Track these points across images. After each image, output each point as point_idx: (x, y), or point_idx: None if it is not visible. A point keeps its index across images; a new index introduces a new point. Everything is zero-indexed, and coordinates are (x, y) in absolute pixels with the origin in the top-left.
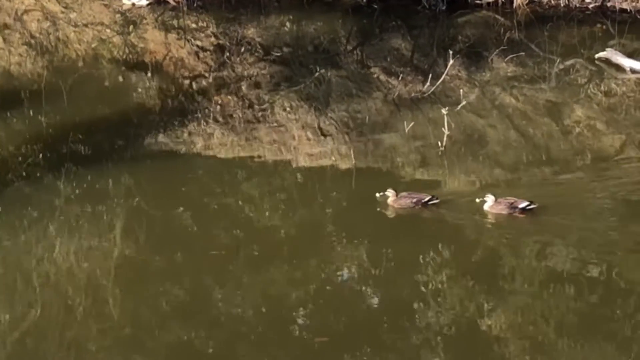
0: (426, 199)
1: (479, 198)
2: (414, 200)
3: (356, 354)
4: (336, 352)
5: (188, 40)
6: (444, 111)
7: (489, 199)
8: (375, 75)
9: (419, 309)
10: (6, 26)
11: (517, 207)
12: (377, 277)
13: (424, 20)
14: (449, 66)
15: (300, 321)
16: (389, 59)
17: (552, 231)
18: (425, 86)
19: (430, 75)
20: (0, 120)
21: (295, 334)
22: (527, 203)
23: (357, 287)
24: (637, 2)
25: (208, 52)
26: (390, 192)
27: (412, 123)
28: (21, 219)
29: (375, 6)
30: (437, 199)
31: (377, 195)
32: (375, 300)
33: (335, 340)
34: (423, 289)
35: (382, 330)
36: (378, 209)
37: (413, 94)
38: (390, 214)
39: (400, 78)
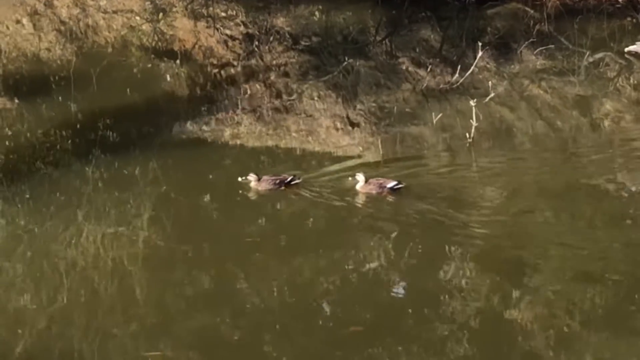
0: (288, 179)
1: (351, 177)
2: (277, 181)
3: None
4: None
5: (217, 29)
6: (472, 103)
7: (360, 178)
8: (403, 66)
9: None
10: (36, 12)
11: (385, 187)
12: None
13: (454, 11)
14: (477, 58)
15: (327, 310)
16: (417, 50)
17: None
18: (454, 77)
19: (459, 67)
20: (29, 106)
21: (323, 323)
22: (395, 183)
23: (384, 276)
24: None
25: (237, 41)
26: (252, 176)
27: (440, 114)
28: (49, 205)
29: None
30: (299, 178)
31: (240, 179)
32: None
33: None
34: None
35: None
36: (241, 192)
37: (441, 85)
38: (252, 195)
39: (428, 69)
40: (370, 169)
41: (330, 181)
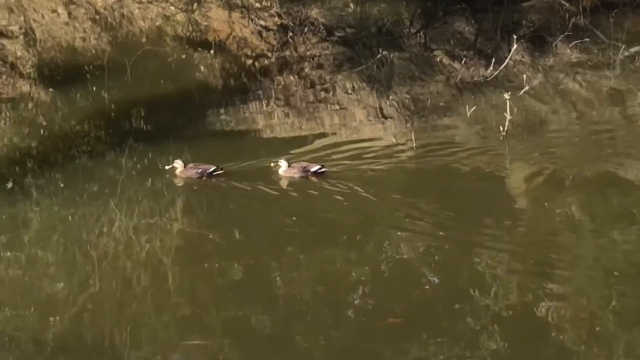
0: (211, 170)
1: (273, 162)
2: (199, 171)
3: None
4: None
5: (252, 20)
6: (506, 96)
7: (283, 163)
8: (438, 59)
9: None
10: (72, 2)
11: (309, 171)
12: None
13: (489, 3)
14: (512, 51)
15: (359, 302)
16: (452, 42)
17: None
18: (488, 70)
19: (493, 60)
20: (63, 96)
21: (355, 314)
22: (318, 167)
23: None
24: None
25: (271, 32)
26: (178, 163)
27: (474, 107)
28: (82, 194)
29: None
30: (221, 169)
31: (167, 167)
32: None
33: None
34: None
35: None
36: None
37: (476, 78)
38: (178, 182)
39: (463, 62)
40: (403, 161)
41: (361, 172)
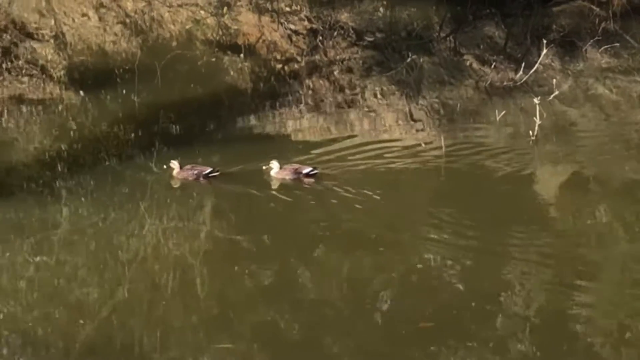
0: (207, 172)
1: (265, 165)
2: (195, 172)
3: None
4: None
5: (281, 23)
6: (536, 100)
7: (275, 165)
8: (467, 63)
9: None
10: (102, 5)
11: (301, 173)
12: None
13: (519, 8)
14: (542, 55)
15: (387, 306)
16: (482, 47)
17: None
18: (518, 75)
19: (523, 64)
20: (94, 99)
21: (384, 318)
22: (310, 169)
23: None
24: None
25: (301, 36)
26: (174, 164)
27: (504, 112)
28: (112, 197)
29: None
30: (217, 171)
31: (164, 167)
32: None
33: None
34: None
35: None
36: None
37: (505, 83)
38: (175, 184)
39: (492, 66)
40: (433, 166)
41: (389, 176)
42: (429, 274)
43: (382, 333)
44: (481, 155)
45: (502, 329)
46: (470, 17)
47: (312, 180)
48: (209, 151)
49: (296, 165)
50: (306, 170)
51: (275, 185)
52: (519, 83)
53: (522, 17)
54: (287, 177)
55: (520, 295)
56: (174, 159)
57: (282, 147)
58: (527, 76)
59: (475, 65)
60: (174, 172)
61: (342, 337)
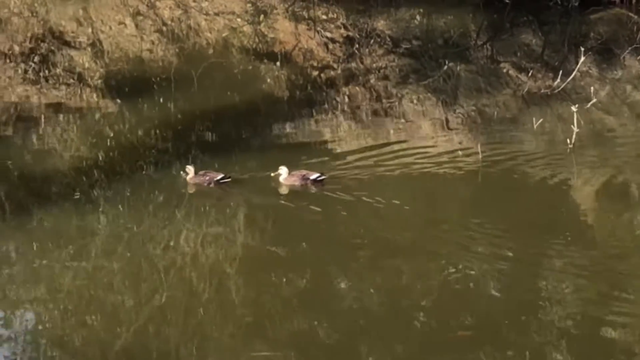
0: (218, 178)
1: (273, 172)
2: (207, 178)
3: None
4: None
5: (318, 31)
6: (573, 108)
7: (283, 171)
8: (504, 70)
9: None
10: (139, 13)
11: (308, 179)
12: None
13: (556, 16)
14: (580, 63)
15: (425, 314)
16: (519, 55)
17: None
18: (555, 82)
19: (560, 72)
20: (131, 106)
21: (421, 327)
22: (317, 175)
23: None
24: None
25: (337, 44)
26: (189, 169)
27: (541, 119)
28: (148, 204)
29: (507, 1)
30: (229, 177)
31: (181, 173)
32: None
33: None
34: None
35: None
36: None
37: (543, 90)
38: (190, 189)
39: (530, 74)
40: (469, 174)
41: (426, 184)
42: (465, 282)
43: (419, 341)
44: (518, 162)
45: (539, 338)
46: (507, 25)
47: (320, 185)
48: (245, 159)
49: (304, 171)
50: (314, 176)
51: (284, 191)
52: (556, 91)
53: (560, 24)
54: (295, 183)
55: (557, 304)
56: (189, 165)
57: (318, 154)
58: (564, 84)
59: (513, 72)
60: (188, 177)
61: (379, 345)
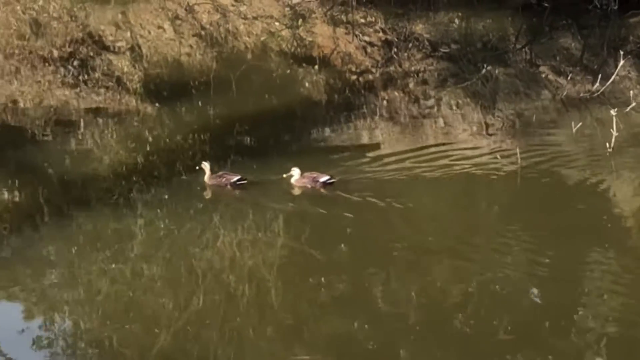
0: (234, 179)
1: (285, 173)
2: (224, 180)
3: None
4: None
5: (356, 35)
6: (612, 112)
7: (295, 172)
8: (543, 74)
9: None
10: (177, 18)
11: (318, 181)
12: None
13: (595, 19)
14: (619, 66)
15: (463, 319)
16: (558, 58)
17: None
18: (595, 86)
19: (599, 76)
20: (169, 110)
21: (460, 331)
22: (327, 177)
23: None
24: None
25: (376, 48)
26: (205, 166)
27: (580, 123)
28: (187, 207)
29: (546, 4)
30: (245, 180)
31: (197, 168)
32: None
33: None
34: None
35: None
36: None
37: (582, 94)
38: (207, 193)
39: (569, 77)
40: (508, 178)
41: (464, 187)
42: (504, 286)
43: (458, 346)
44: (557, 166)
45: (579, 343)
46: (546, 29)
47: (330, 188)
48: (283, 162)
49: (315, 174)
50: (323, 178)
51: (296, 192)
52: (595, 94)
53: (599, 28)
54: (307, 185)
55: (596, 309)
56: (205, 162)
57: (355, 157)
58: (603, 87)
59: (551, 76)
60: (205, 177)
61: (418, 349)
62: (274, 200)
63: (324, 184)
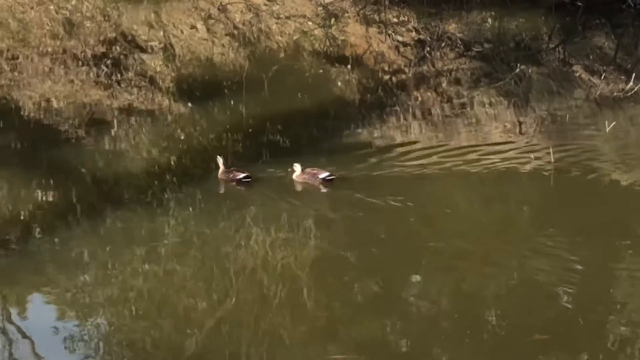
0: (240, 177)
1: (290, 168)
2: (231, 176)
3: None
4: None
5: (389, 35)
6: None
7: (297, 168)
8: (576, 74)
9: None
10: (210, 17)
11: (317, 177)
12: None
13: (629, 18)
14: None
15: (496, 318)
16: (591, 57)
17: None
18: (628, 85)
19: (633, 75)
20: (202, 110)
21: (493, 331)
22: (327, 174)
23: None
24: None
25: (408, 47)
26: (219, 160)
27: (614, 123)
28: (220, 206)
29: (580, 3)
30: (249, 177)
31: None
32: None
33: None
34: None
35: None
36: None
37: (615, 94)
38: (220, 188)
39: (602, 77)
40: (541, 177)
41: (498, 187)
42: (537, 287)
43: (493, 345)
44: (590, 166)
45: (615, 344)
46: (579, 28)
47: (329, 184)
48: (315, 161)
49: (315, 170)
50: (323, 175)
51: (298, 188)
52: (629, 94)
53: (633, 27)
54: (309, 181)
55: (632, 310)
56: (219, 156)
57: (387, 157)
58: (637, 87)
59: (585, 76)
60: (219, 173)
61: (452, 349)
62: (308, 201)
63: (324, 180)
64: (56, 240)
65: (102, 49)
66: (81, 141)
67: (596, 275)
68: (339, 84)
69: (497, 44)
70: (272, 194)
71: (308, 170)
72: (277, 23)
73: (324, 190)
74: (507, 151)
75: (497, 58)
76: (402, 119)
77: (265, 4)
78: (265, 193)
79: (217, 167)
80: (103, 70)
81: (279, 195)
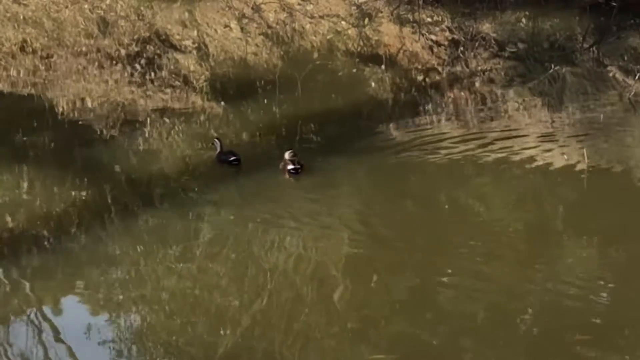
0: (231, 159)
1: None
2: (222, 158)
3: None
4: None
5: (423, 34)
6: None
7: (287, 155)
8: (611, 74)
9: None
10: (244, 16)
11: (286, 168)
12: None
13: None
14: None
15: (531, 318)
16: (625, 58)
17: None
18: None
19: None
20: (235, 109)
21: (527, 331)
22: (293, 167)
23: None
24: None
25: (442, 47)
26: (217, 143)
27: None
28: (252, 205)
29: (614, 4)
30: (237, 161)
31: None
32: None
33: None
34: None
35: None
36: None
37: None
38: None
39: (637, 77)
40: (574, 177)
41: (531, 188)
42: (577, 287)
43: (530, 345)
44: (625, 167)
45: None
46: (614, 28)
47: (295, 176)
48: (349, 161)
49: (287, 159)
50: (290, 166)
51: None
52: None
53: None
54: (283, 170)
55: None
56: (216, 139)
57: (420, 156)
58: None
59: (619, 76)
60: (215, 155)
61: (489, 350)
62: (343, 198)
63: (290, 172)
64: (90, 239)
65: (136, 48)
66: (115, 140)
67: (634, 276)
68: (373, 83)
69: (531, 44)
70: (303, 192)
71: (284, 159)
72: (310, 22)
73: (293, 181)
74: (540, 151)
75: (531, 58)
76: (435, 119)
77: (299, 4)
78: (295, 191)
79: (215, 149)
80: (137, 69)
81: (309, 192)
